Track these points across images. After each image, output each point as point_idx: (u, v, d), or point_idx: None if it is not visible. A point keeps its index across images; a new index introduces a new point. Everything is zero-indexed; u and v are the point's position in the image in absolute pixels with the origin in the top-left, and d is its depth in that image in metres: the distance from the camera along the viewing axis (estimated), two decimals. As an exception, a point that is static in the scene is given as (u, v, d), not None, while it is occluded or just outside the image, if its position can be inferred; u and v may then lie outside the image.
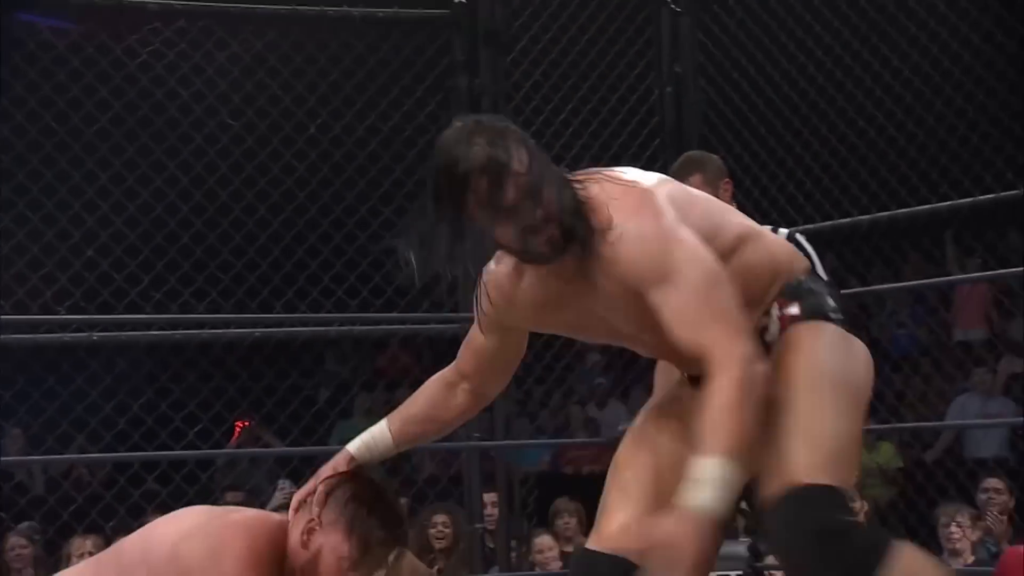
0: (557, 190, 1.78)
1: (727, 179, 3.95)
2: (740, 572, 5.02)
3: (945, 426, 7.03)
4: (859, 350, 2.11)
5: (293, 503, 2.14)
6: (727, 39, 5.00)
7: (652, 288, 1.81)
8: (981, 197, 4.62)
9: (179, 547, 2.02)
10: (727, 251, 1.96)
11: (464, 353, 2.16)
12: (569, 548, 5.35)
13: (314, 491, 2.11)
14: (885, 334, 7.76)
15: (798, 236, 3.97)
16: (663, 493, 2.07)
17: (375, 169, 5.08)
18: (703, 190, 3.72)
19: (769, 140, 5.08)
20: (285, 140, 4.99)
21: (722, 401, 1.77)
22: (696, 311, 1.82)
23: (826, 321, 2.10)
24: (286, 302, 5.07)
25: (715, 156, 3.98)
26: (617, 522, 2.09)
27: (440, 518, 4.92)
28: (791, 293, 2.08)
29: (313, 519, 2.06)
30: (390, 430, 2.19)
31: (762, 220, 3.99)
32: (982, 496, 5.28)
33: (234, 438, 7.42)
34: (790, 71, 5.07)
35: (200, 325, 5.16)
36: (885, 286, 5.53)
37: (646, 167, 5.27)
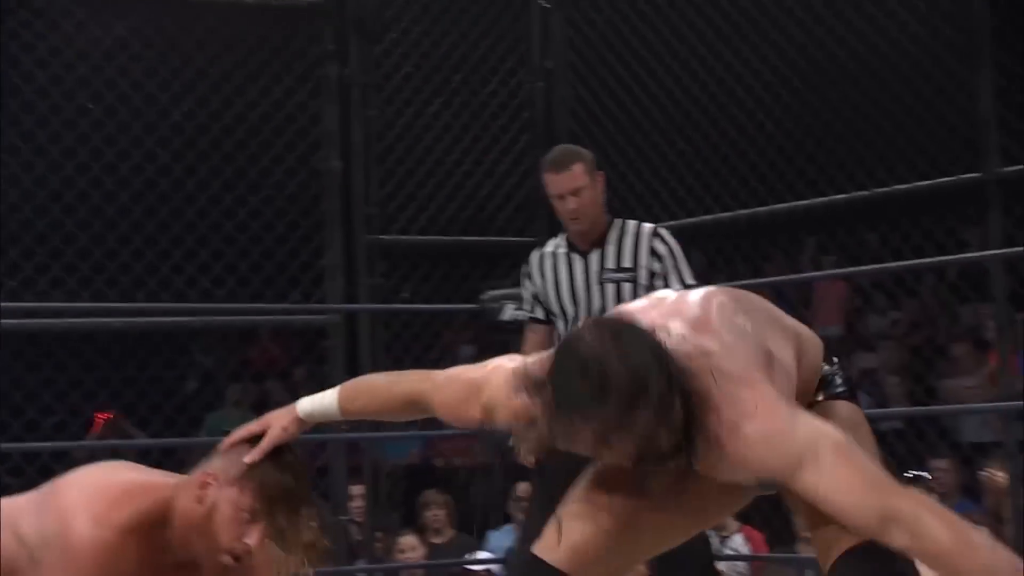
0: (671, 400, 1.76)
1: (600, 172, 4.01)
2: None
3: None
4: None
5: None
6: (596, 36, 5.11)
7: (791, 478, 1.84)
8: (837, 196, 4.87)
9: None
10: (798, 357, 2.04)
11: (450, 403, 2.11)
12: (437, 539, 5.39)
13: (248, 437, 2.03)
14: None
15: (662, 231, 4.09)
16: (635, 527, 2.13)
17: (243, 157, 5.05)
18: (582, 180, 3.92)
19: (636, 137, 5.20)
20: (148, 127, 4.92)
21: (978, 562, 1.76)
22: (849, 487, 1.83)
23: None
24: (149, 292, 4.99)
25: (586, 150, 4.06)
26: (579, 537, 2.09)
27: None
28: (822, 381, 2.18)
29: (208, 473, 1.96)
30: (340, 411, 2.14)
31: (629, 215, 4.24)
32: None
33: (94, 429, 7.23)
34: (657, 69, 5.21)
35: (58, 314, 5.05)
36: (748, 281, 5.69)
37: (517, 161, 5.22)
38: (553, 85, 4.91)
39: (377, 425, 4.91)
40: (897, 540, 1.76)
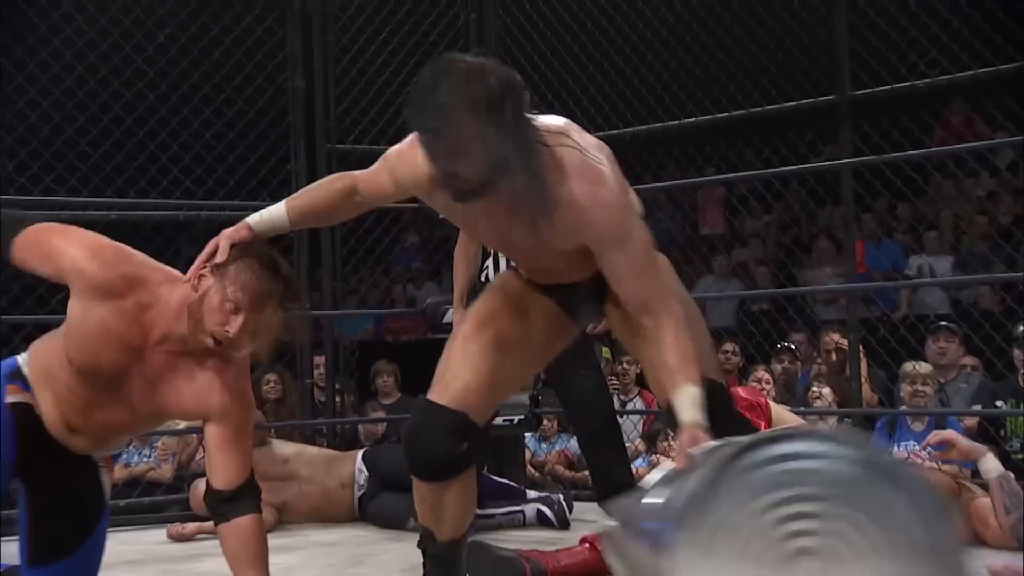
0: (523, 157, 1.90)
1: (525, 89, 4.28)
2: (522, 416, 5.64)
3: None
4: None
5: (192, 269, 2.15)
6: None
7: (608, 248, 2.09)
8: (719, 115, 5.38)
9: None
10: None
11: (370, 180, 2.28)
12: (387, 401, 6.03)
13: (211, 255, 2.13)
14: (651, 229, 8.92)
15: None
16: (501, 366, 2.38)
17: (220, 76, 5.48)
18: None
19: (555, 64, 5.65)
20: (137, 47, 5.38)
21: (681, 343, 2.08)
22: (643, 271, 2.12)
23: None
24: (140, 190, 5.40)
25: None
26: (461, 383, 2.29)
27: (271, 376, 5.25)
28: None
29: (206, 264, 2.10)
30: (288, 215, 2.25)
31: None
32: (721, 356, 6.28)
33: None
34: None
35: (61, 207, 5.20)
36: (648, 185, 6.33)
37: None
38: (484, 16, 5.35)
39: (336, 304, 5.55)
40: (644, 323, 2.12)
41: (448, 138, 1.79)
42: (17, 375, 2.36)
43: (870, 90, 5.13)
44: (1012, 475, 4.07)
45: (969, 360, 5.72)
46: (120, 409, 2.28)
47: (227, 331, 2.01)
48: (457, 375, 2.32)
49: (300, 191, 2.39)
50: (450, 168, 1.84)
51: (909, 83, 5.11)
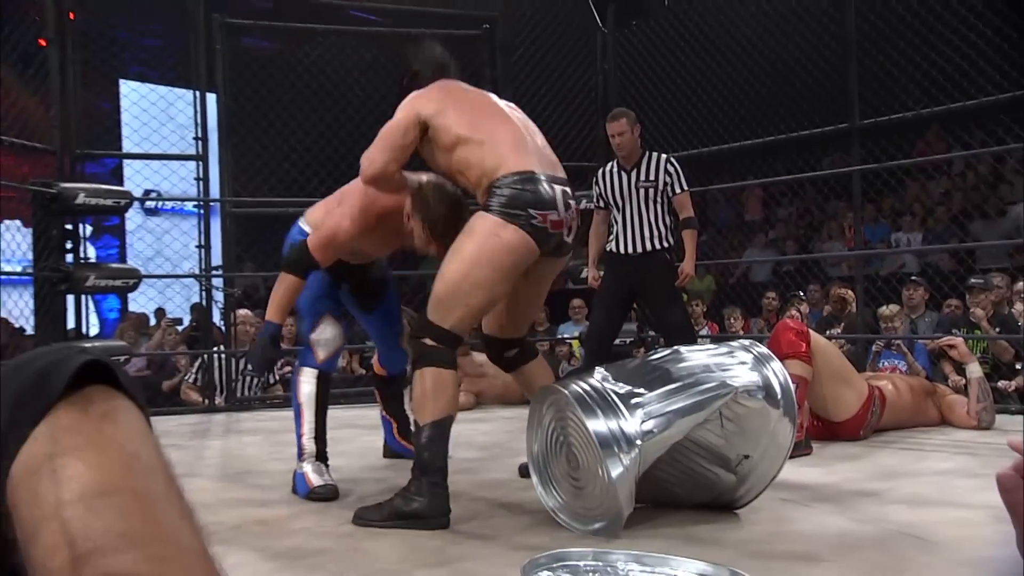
0: None
1: (637, 124, 5.19)
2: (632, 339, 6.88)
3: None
4: (502, 235, 2.89)
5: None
6: (638, 49, 7.18)
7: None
8: (759, 140, 6.93)
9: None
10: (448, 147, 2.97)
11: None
12: (539, 328, 7.62)
13: None
14: (713, 217, 11.42)
15: (670, 158, 5.22)
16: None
17: None
18: (623, 128, 5.04)
19: (658, 108, 7.21)
20: None
21: None
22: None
23: (486, 212, 2.93)
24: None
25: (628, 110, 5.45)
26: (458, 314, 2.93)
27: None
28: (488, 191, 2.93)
29: (410, 211, 3.09)
30: None
31: (653, 148, 5.45)
32: (763, 301, 7.87)
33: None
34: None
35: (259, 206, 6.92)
36: (711, 187, 7.83)
37: (588, 124, 7.39)
38: (609, 79, 6.94)
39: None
40: None
41: None
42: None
43: (873, 120, 6.30)
44: (987, 385, 4.85)
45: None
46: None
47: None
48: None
49: None
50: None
51: (900, 114, 6.31)
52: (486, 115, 3.05)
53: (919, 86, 5.56)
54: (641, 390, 2.78)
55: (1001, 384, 5.70)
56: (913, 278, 7.18)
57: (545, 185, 2.91)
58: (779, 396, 2.80)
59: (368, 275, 3.65)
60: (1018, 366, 6.00)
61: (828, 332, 6.64)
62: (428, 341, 2.90)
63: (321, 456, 3.41)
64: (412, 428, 3.09)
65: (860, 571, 2.40)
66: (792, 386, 2.87)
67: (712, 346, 2.97)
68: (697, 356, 2.92)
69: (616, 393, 2.72)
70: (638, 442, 2.62)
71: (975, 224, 8.74)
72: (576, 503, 2.82)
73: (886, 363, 6.29)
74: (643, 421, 2.66)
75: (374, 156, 3.00)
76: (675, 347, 3.04)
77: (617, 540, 2.57)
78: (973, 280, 6.47)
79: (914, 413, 4.85)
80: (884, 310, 6.57)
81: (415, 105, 3.04)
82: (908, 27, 6.71)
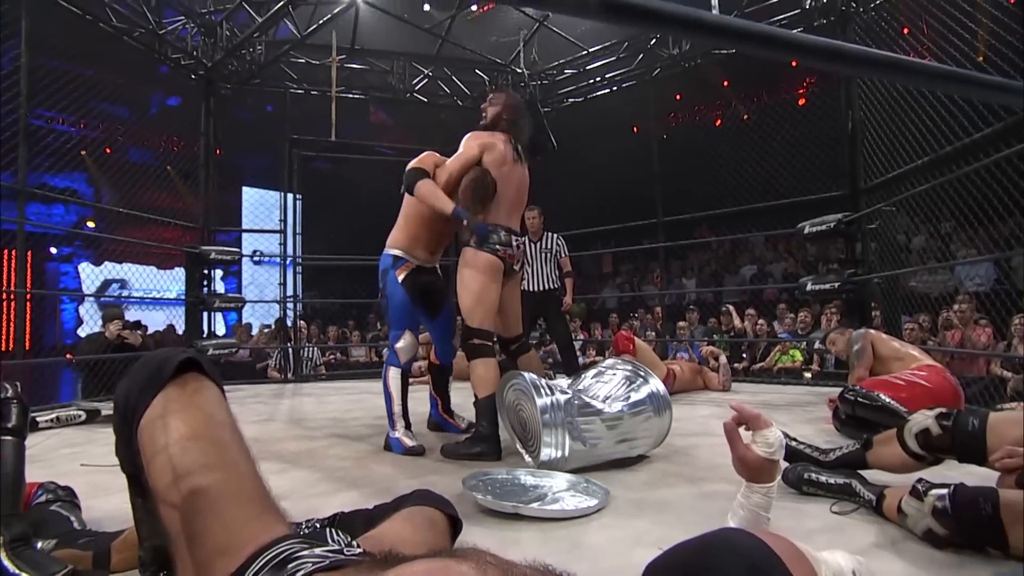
0: None
1: (543, 215, 5.54)
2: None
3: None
4: (480, 259, 3.00)
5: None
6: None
7: None
8: (785, 200, 8.38)
9: None
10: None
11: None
12: None
13: None
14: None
15: (559, 237, 5.72)
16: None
17: None
18: (536, 217, 5.44)
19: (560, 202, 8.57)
20: None
21: None
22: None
23: (468, 247, 3.05)
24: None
25: None
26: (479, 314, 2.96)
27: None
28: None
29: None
30: None
31: (552, 229, 5.72)
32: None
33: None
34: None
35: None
36: (748, 235, 8.89)
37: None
38: None
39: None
40: None
41: None
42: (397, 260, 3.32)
43: (672, 216, 7.25)
44: (728, 366, 5.49)
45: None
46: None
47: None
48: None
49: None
50: None
51: (689, 214, 7.42)
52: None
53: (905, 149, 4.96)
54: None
55: (735, 365, 6.64)
56: (691, 307, 8.45)
57: (503, 233, 3.10)
58: (659, 400, 2.90)
59: (437, 284, 3.49)
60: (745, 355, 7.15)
61: (646, 335, 7.83)
62: (475, 340, 3.01)
63: (408, 426, 3.29)
64: (472, 402, 3.03)
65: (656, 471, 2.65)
66: (665, 392, 2.95)
67: (614, 374, 3.01)
68: (610, 380, 2.99)
69: (551, 384, 2.80)
70: (563, 398, 2.69)
71: (724, 277, 10.28)
72: (526, 444, 2.87)
73: (679, 355, 7.39)
74: (568, 396, 2.75)
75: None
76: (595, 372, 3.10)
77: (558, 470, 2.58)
78: (723, 308, 7.80)
79: (691, 383, 5.40)
80: (680, 323, 7.93)
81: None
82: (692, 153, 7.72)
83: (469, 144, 3.15)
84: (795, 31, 5.92)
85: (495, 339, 3.15)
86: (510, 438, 2.94)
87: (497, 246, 3.03)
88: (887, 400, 3.12)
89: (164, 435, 0.78)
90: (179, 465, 0.76)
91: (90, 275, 11.33)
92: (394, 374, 3.30)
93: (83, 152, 6.99)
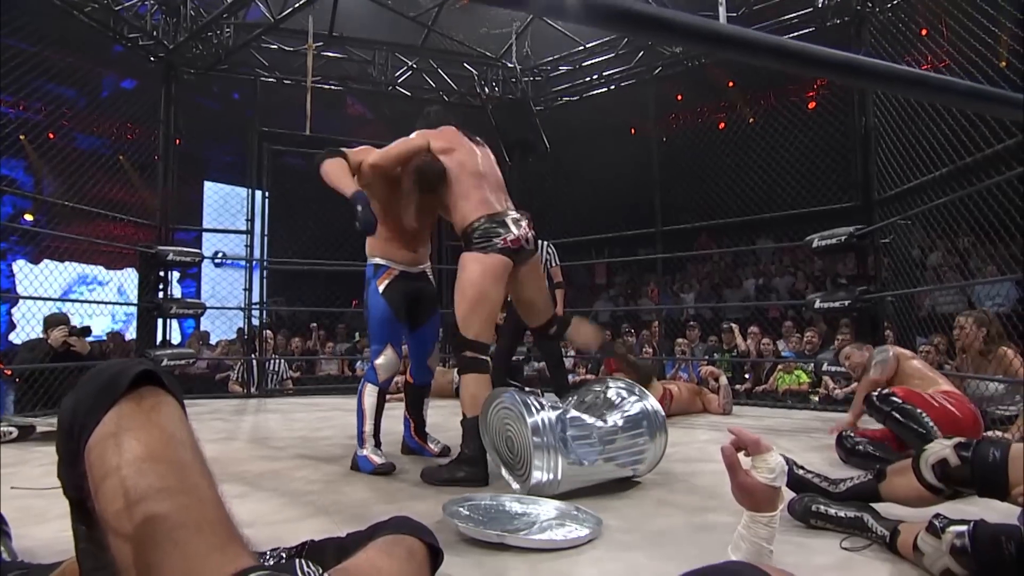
0: None
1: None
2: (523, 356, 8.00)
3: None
4: (479, 264, 2.95)
5: None
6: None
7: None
8: (798, 211, 8.59)
9: None
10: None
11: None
12: None
13: None
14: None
15: (550, 244, 6.00)
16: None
17: None
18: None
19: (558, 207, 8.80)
20: None
21: None
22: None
23: (466, 250, 3.02)
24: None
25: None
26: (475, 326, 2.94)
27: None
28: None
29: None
30: None
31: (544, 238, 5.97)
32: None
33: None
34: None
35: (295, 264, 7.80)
36: (756, 247, 9.09)
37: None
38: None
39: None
40: None
41: None
42: (378, 268, 3.37)
43: (670, 227, 7.39)
44: (729, 387, 5.55)
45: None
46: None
47: None
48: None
49: None
50: None
51: (689, 224, 7.58)
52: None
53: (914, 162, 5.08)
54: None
55: (737, 387, 6.91)
56: (691, 323, 8.65)
57: (496, 224, 3.02)
58: (654, 420, 2.96)
59: (425, 292, 3.51)
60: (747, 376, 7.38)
61: (643, 351, 7.99)
62: (468, 353, 2.96)
63: (378, 444, 3.31)
64: (460, 420, 2.98)
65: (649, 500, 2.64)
66: (660, 410, 3.01)
67: (607, 389, 3.09)
68: (602, 396, 3.05)
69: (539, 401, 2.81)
70: (553, 415, 2.73)
71: (725, 291, 10.65)
72: (514, 468, 2.83)
73: (680, 374, 7.52)
74: (559, 411, 2.79)
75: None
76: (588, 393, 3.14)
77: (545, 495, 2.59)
78: (724, 325, 8.00)
79: (689, 405, 5.45)
80: (679, 340, 8.04)
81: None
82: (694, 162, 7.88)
83: (415, 136, 3.24)
84: (806, 31, 6.30)
85: (491, 353, 3.12)
86: (495, 463, 2.95)
87: (497, 240, 2.97)
88: (926, 419, 3.14)
89: (116, 455, 0.76)
90: (133, 489, 0.74)
91: (28, 275, 11.13)
92: (370, 391, 3.30)
93: (22, 137, 6.91)
